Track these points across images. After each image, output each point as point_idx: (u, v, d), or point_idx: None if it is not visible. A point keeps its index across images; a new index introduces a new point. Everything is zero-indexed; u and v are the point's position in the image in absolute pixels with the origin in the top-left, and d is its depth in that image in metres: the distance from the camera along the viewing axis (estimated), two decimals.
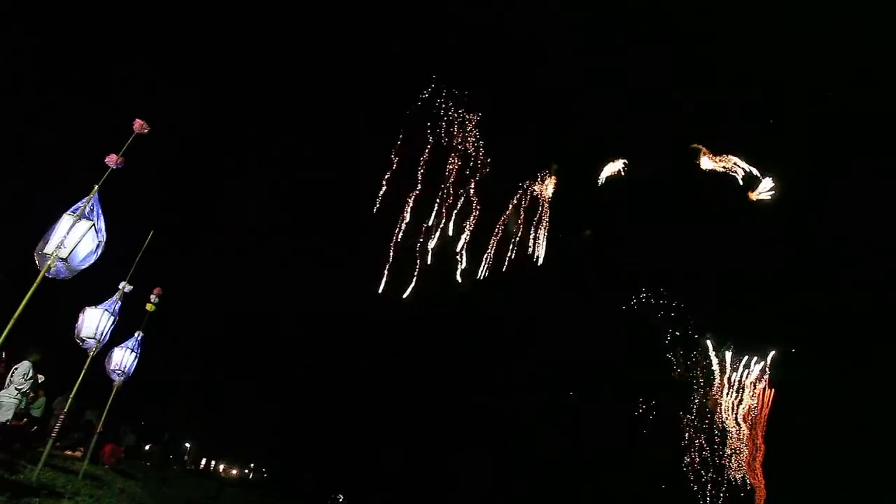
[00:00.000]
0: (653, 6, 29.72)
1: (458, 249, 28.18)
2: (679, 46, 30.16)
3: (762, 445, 33.41)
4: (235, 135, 30.90)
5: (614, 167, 29.85)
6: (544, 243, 29.60)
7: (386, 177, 27.15)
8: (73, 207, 5.98)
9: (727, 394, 33.74)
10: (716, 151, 29.42)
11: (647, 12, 29.92)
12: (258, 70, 29.92)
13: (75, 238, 5.85)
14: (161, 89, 25.04)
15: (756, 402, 33.75)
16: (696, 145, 29.93)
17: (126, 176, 6.49)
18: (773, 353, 33.24)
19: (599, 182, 29.77)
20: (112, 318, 9.08)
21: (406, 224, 27.64)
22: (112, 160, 6.38)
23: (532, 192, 29.96)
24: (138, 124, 6.59)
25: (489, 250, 28.76)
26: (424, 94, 27.48)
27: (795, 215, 30.57)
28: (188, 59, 26.70)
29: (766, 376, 33.57)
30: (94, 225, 6.01)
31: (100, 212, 6.13)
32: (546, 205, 29.93)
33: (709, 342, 34.08)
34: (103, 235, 6.15)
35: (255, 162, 32.45)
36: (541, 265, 29.22)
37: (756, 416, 33.73)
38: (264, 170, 32.65)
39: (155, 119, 6.73)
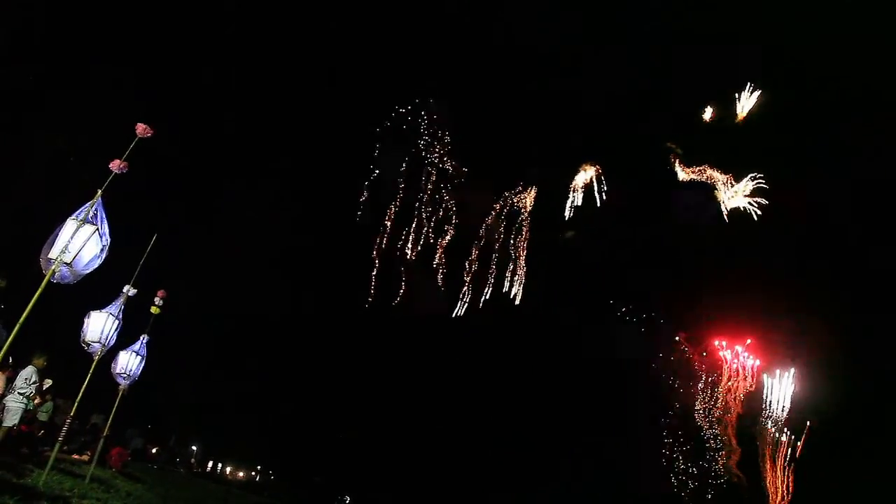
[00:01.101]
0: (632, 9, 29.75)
1: (436, 260, 28.88)
2: (655, 50, 30.21)
3: (737, 448, 33.76)
4: (236, 140, 31.11)
5: (587, 175, 30.16)
6: (523, 276, 30.17)
7: (366, 188, 28.04)
8: (77, 212, 5.99)
9: (702, 397, 34.18)
10: (689, 159, 29.70)
11: (624, 16, 29.98)
12: (254, 76, 30.21)
13: (79, 243, 5.86)
14: (164, 94, 25.17)
15: (730, 404, 34.10)
16: (670, 144, 30.08)
17: (129, 180, 6.49)
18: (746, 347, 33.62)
19: (573, 189, 30.11)
20: (117, 322, 9.10)
21: (388, 233, 28.51)
22: (116, 165, 6.38)
23: (512, 203, 30.42)
24: (141, 128, 6.59)
25: (466, 285, 29.47)
26: (400, 109, 28.06)
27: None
28: (189, 64, 26.85)
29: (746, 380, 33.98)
30: (97, 229, 6.01)
31: (103, 216, 6.13)
32: (526, 214, 30.37)
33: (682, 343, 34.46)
34: (107, 240, 6.15)
35: (254, 166, 32.71)
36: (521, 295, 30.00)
37: (730, 416, 34.16)
38: (263, 175, 32.93)
39: (157, 123, 6.72)
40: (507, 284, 30.55)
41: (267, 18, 29.18)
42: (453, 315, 30.10)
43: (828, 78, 28.19)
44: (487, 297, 30.44)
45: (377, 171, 28.49)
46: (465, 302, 30.29)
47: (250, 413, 38.09)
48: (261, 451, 43.39)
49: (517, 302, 30.58)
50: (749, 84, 29.65)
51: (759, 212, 29.15)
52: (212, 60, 27.88)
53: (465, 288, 30.15)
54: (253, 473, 47.35)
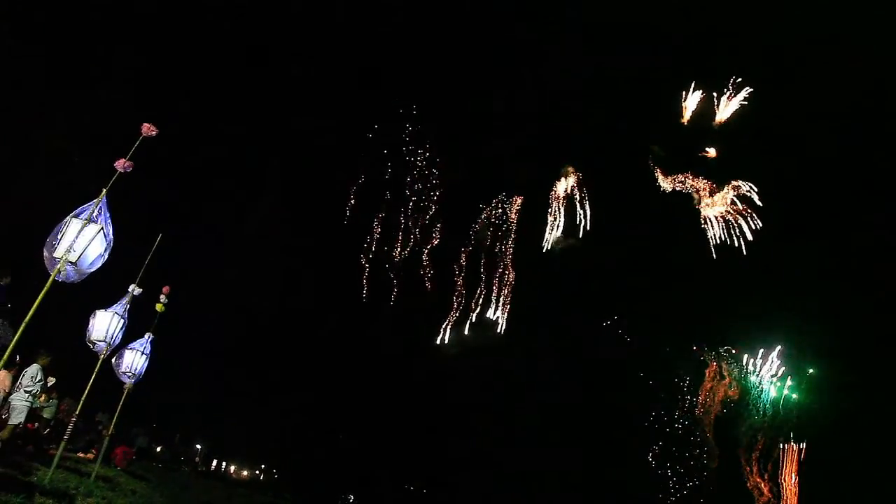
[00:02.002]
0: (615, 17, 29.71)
1: (422, 270, 29.18)
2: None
3: (717, 451, 33.96)
4: (237, 139, 31.27)
5: (568, 183, 30.19)
6: (508, 304, 30.42)
7: (355, 189, 28.33)
8: (82, 211, 6.00)
9: (686, 403, 34.34)
10: (671, 165, 29.72)
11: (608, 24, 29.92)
12: (254, 77, 30.41)
13: (84, 242, 5.87)
14: (167, 93, 25.25)
15: (711, 406, 34.24)
16: (653, 147, 30.06)
17: (134, 179, 6.49)
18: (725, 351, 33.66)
19: (553, 197, 30.13)
20: (122, 321, 9.11)
21: (377, 237, 28.88)
22: (121, 164, 6.38)
23: (499, 213, 30.56)
24: (145, 128, 6.60)
25: (454, 308, 29.71)
26: (376, 127, 28.28)
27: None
28: (194, 68, 26.98)
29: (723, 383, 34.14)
30: (102, 229, 6.03)
31: (108, 215, 6.14)
32: (513, 223, 30.53)
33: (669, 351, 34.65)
34: (111, 239, 6.17)
35: (254, 166, 32.93)
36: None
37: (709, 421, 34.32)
38: (262, 175, 33.17)
39: (161, 123, 6.72)
40: (493, 306, 31.02)
41: (267, 19, 29.31)
42: (437, 341, 30.75)
43: (815, 78, 28.16)
44: (473, 319, 30.98)
45: (364, 177, 28.88)
46: (451, 323, 30.80)
47: (254, 412, 38.20)
48: (265, 450, 43.50)
49: (500, 328, 31.15)
50: (730, 84, 29.61)
51: (739, 219, 29.19)
52: (212, 60, 28.01)
53: (454, 303, 30.47)
54: (257, 472, 47.46)
